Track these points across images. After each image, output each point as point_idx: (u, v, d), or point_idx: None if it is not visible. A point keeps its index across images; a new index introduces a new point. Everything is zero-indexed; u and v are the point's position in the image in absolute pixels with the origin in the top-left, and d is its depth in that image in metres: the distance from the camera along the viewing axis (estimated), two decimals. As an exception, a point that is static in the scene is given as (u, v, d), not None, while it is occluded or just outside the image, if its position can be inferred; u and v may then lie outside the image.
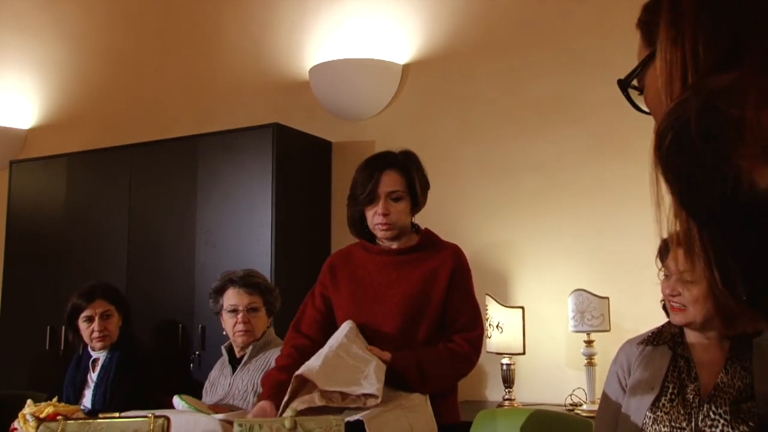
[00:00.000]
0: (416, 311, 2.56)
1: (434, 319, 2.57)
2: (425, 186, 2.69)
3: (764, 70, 0.93)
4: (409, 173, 2.61)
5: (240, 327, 3.20)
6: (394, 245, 2.66)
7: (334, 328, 2.63)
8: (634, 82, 1.16)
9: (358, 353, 2.40)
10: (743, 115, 0.89)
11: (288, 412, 1.96)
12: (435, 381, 2.48)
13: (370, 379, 2.27)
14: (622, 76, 1.17)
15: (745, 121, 0.89)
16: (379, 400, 2.22)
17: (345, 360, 2.35)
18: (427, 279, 2.58)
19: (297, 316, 2.75)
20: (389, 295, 2.58)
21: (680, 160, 0.94)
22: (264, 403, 2.44)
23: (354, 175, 2.66)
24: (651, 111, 1.13)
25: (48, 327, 4.88)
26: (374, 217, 2.59)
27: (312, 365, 2.33)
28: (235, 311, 3.22)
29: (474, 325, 2.61)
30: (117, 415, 2.19)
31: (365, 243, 2.70)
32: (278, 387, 2.45)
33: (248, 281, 3.27)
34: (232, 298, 3.25)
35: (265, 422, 1.91)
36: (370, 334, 2.55)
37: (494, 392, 4.11)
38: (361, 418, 2.12)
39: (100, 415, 2.21)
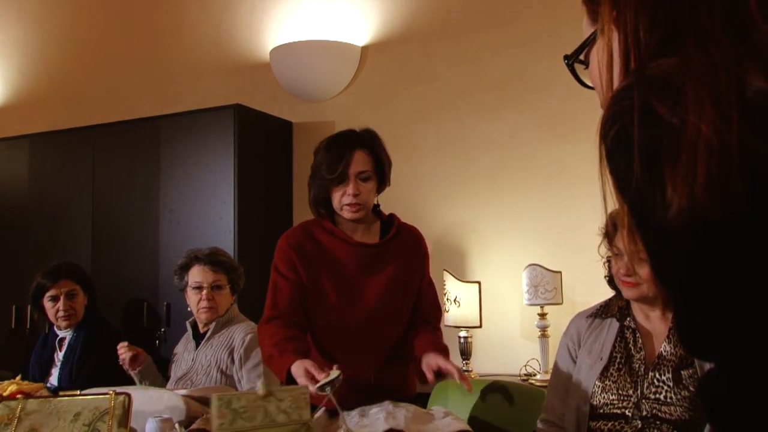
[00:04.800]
0: (395, 302, 2.55)
1: (411, 307, 2.59)
2: (390, 165, 2.62)
3: (700, 60, 0.92)
4: (376, 153, 2.55)
5: (204, 304, 3.23)
6: (359, 232, 2.60)
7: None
8: (581, 57, 1.14)
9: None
10: (684, 128, 0.88)
11: (258, 383, 1.96)
12: None
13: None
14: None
15: (685, 137, 0.87)
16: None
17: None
18: (404, 269, 2.57)
19: (270, 297, 2.53)
20: (370, 285, 2.53)
21: (619, 162, 0.94)
22: (307, 363, 2.19)
23: (317, 154, 2.57)
24: (595, 87, 1.12)
25: (13, 306, 4.90)
26: (343, 198, 2.49)
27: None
28: (199, 288, 3.24)
29: (438, 307, 2.70)
30: (78, 392, 2.20)
31: (333, 228, 2.58)
32: (300, 351, 2.30)
33: (213, 259, 3.29)
34: (197, 275, 3.26)
35: (241, 394, 1.94)
36: (354, 323, 2.52)
37: (452, 364, 4.21)
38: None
39: (61, 393, 2.22)
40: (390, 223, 2.64)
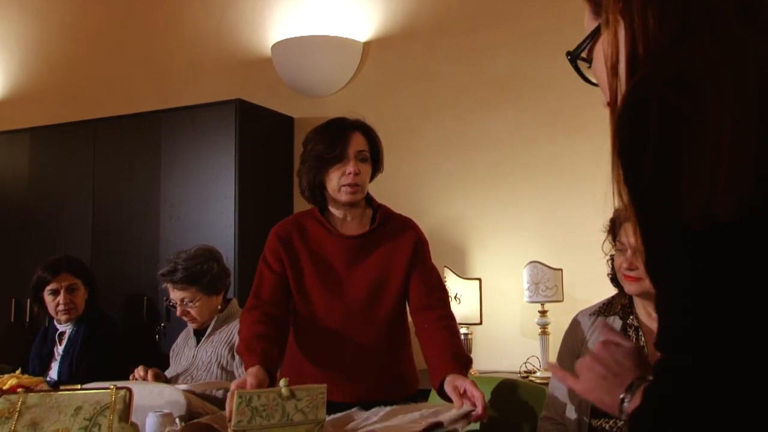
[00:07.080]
0: (380, 290, 2.54)
1: (397, 294, 2.56)
2: (382, 152, 2.65)
3: (716, 53, 0.90)
4: (371, 136, 2.59)
5: (185, 318, 3.19)
6: (349, 221, 2.60)
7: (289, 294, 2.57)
8: (584, 54, 1.12)
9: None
10: (704, 123, 0.86)
11: (281, 382, 1.98)
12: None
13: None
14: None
15: (705, 133, 0.85)
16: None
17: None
18: (388, 256, 2.55)
19: (255, 285, 2.57)
20: (354, 277, 2.53)
21: (632, 156, 0.92)
22: (258, 371, 2.23)
23: (309, 143, 2.56)
24: (599, 84, 1.10)
25: (13, 300, 4.91)
26: (342, 178, 2.48)
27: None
28: (175, 306, 3.19)
29: (443, 287, 2.67)
30: (78, 386, 2.19)
31: (322, 218, 2.58)
32: (266, 356, 2.31)
33: (173, 278, 3.15)
34: (170, 293, 3.20)
35: (263, 392, 1.95)
36: (339, 316, 2.53)
37: (452, 361, 4.21)
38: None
39: (62, 387, 2.20)
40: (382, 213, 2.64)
